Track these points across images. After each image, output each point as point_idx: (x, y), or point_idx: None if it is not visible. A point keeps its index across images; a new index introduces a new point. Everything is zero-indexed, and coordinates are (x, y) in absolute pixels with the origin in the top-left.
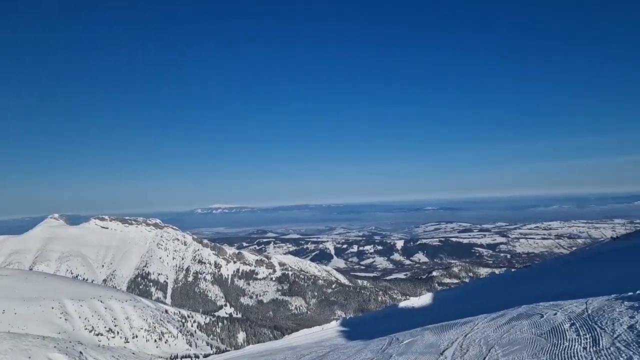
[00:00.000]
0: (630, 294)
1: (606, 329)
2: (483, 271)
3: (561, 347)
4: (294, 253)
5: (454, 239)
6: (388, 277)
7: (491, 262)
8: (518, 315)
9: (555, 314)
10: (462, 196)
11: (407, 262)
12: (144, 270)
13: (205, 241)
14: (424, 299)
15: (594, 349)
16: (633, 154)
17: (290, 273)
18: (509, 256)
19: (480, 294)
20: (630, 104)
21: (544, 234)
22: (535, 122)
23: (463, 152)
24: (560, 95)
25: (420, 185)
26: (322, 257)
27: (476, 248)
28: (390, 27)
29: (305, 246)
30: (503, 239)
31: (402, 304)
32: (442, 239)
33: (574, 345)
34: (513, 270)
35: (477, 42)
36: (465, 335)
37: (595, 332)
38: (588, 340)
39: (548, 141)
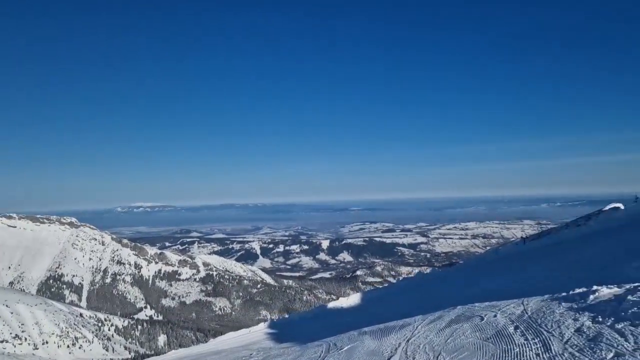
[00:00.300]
0: (564, 294)
1: (553, 332)
2: (405, 270)
3: (512, 354)
4: (219, 253)
5: (377, 239)
6: (313, 277)
7: (412, 261)
8: (457, 318)
9: (495, 316)
10: (386, 197)
11: (333, 261)
12: (56, 272)
13: (125, 241)
14: (353, 299)
15: (547, 355)
16: (540, 159)
17: (214, 273)
18: (428, 255)
19: (409, 294)
20: (535, 112)
21: (462, 234)
22: (451, 126)
23: (387, 154)
24: (473, 102)
25: (346, 185)
26: (248, 257)
27: (398, 247)
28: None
29: (230, 246)
30: (423, 239)
31: (330, 305)
32: (367, 238)
33: (525, 351)
34: (438, 269)
35: (392, 43)
36: (408, 340)
37: (543, 336)
38: (538, 345)
39: (464, 146)
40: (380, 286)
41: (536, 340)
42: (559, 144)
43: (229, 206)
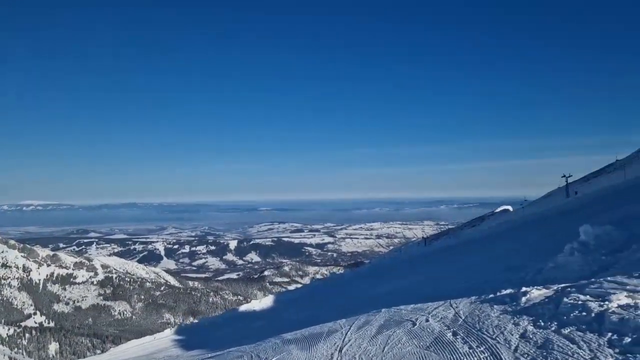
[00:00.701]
0: (492, 295)
1: (498, 339)
2: (312, 269)
3: None
4: (120, 254)
5: (285, 239)
6: (220, 278)
7: (319, 260)
8: (386, 323)
9: (427, 320)
10: (296, 198)
11: (240, 262)
12: None
13: (11, 242)
14: (266, 301)
15: None
16: (439, 164)
17: (114, 276)
18: (335, 255)
19: (324, 296)
20: (436, 120)
21: (367, 234)
22: (358, 129)
23: (296, 155)
24: (380, 106)
25: (255, 186)
26: (151, 258)
27: (306, 247)
28: None
29: (132, 247)
30: (331, 239)
31: (242, 308)
32: (275, 238)
33: None
34: (350, 269)
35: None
36: (340, 350)
37: (488, 344)
38: (486, 354)
39: (371, 149)
40: (290, 286)
41: (482, 349)
42: (456, 150)
43: (131, 205)
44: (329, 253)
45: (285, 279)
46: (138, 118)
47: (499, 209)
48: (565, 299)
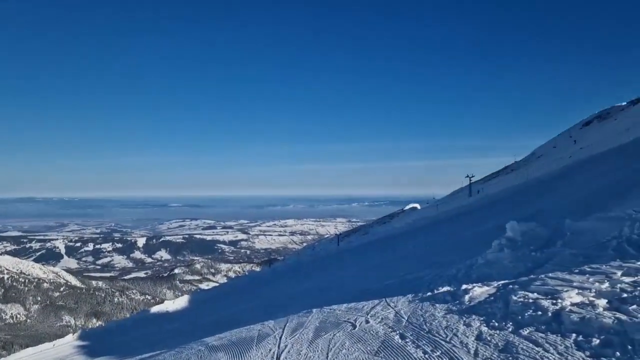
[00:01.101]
0: (429, 293)
1: (453, 342)
2: (225, 267)
3: None
4: (14, 253)
5: (198, 236)
6: (127, 277)
7: (232, 258)
8: (322, 324)
9: (367, 321)
10: (209, 194)
11: (149, 260)
12: None
13: None
14: (180, 302)
15: None
16: (352, 162)
17: (6, 276)
18: (248, 252)
19: (243, 294)
20: (347, 119)
21: (281, 231)
22: (269, 127)
23: (209, 150)
24: (291, 104)
25: (166, 181)
26: (50, 257)
27: (219, 245)
28: None
29: (28, 245)
30: (244, 236)
31: (155, 309)
32: (186, 235)
33: None
34: (268, 266)
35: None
36: (278, 358)
37: (444, 348)
38: (444, 359)
39: (285, 146)
40: (202, 285)
41: (438, 354)
42: (367, 150)
43: (27, 200)
44: (243, 250)
45: (197, 277)
46: (35, 105)
47: (407, 207)
48: (513, 297)
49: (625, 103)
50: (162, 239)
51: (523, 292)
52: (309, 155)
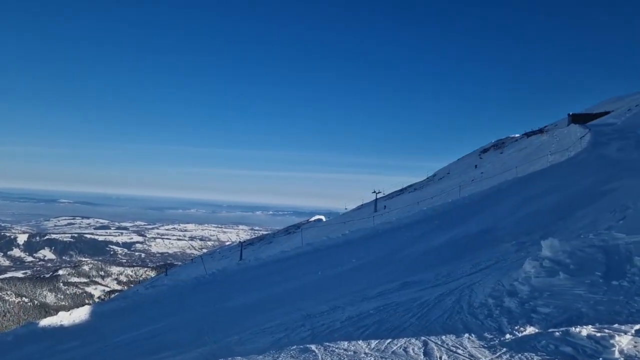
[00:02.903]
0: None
1: None
2: (116, 270)
3: None
4: None
5: (88, 236)
6: (2, 277)
7: (125, 261)
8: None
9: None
10: (104, 191)
11: (30, 259)
12: None
13: None
14: (79, 314)
15: None
16: (257, 169)
17: None
18: (143, 255)
19: (160, 307)
20: (250, 124)
21: (180, 235)
22: (175, 127)
23: (107, 145)
24: (193, 105)
25: (56, 174)
26: None
27: (111, 246)
28: None
29: None
30: (140, 238)
31: (44, 322)
32: (76, 234)
33: None
34: (155, 271)
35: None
36: None
37: None
38: None
39: (188, 147)
40: (88, 288)
41: None
42: (274, 158)
43: None
44: (137, 253)
45: (84, 280)
46: None
47: (313, 218)
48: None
49: (518, 135)
50: (47, 237)
51: None
52: (215, 159)
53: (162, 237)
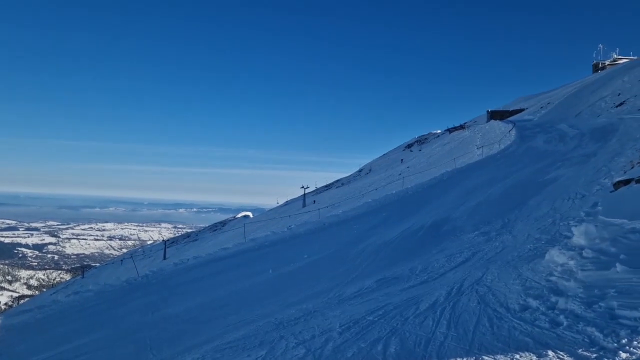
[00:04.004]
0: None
1: None
2: (25, 274)
3: None
4: None
5: None
6: None
7: (36, 263)
8: None
9: None
10: (9, 190)
11: None
12: None
13: None
14: None
15: None
16: (180, 166)
17: None
18: (56, 257)
19: (75, 321)
20: (177, 120)
21: (97, 235)
22: (90, 123)
23: (12, 142)
24: (114, 100)
25: None
26: None
27: (20, 248)
28: None
29: None
30: (53, 239)
31: None
32: None
33: None
34: (70, 273)
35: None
36: None
37: None
38: None
39: (106, 143)
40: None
41: None
42: (197, 153)
43: None
44: (50, 255)
45: None
46: None
47: (240, 215)
48: None
49: (440, 131)
50: None
51: None
52: (134, 156)
53: (78, 237)
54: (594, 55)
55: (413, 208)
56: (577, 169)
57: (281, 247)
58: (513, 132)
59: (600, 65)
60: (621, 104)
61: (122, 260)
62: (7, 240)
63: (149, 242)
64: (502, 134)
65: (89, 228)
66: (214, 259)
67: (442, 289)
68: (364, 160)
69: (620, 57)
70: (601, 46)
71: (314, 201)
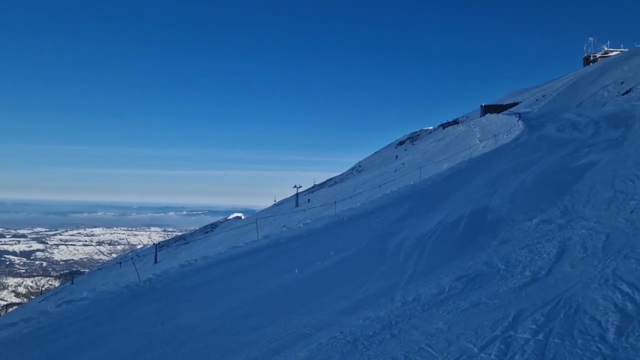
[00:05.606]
0: None
1: None
2: (13, 282)
3: None
4: None
5: None
6: None
7: (24, 271)
8: None
9: None
10: None
11: None
12: None
13: None
14: None
15: None
16: (169, 168)
17: None
18: (45, 264)
19: (69, 336)
20: (156, 120)
21: (86, 240)
22: (79, 126)
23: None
24: (95, 104)
25: None
26: None
27: (7, 256)
28: None
29: None
30: (41, 246)
31: None
32: None
33: None
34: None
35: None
36: None
37: None
38: None
39: (96, 147)
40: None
41: None
42: (187, 156)
43: None
44: (38, 262)
45: None
46: None
47: (231, 216)
48: None
49: (432, 127)
50: None
51: None
52: (122, 159)
53: (66, 243)
54: (585, 49)
55: (436, 199)
56: (613, 153)
57: (298, 244)
58: (520, 123)
59: (591, 58)
60: (627, 91)
61: (120, 264)
62: None
63: (139, 246)
64: (506, 125)
65: (77, 234)
66: (225, 258)
67: (603, 289)
68: (355, 159)
69: (611, 49)
70: (591, 39)
71: (308, 200)
